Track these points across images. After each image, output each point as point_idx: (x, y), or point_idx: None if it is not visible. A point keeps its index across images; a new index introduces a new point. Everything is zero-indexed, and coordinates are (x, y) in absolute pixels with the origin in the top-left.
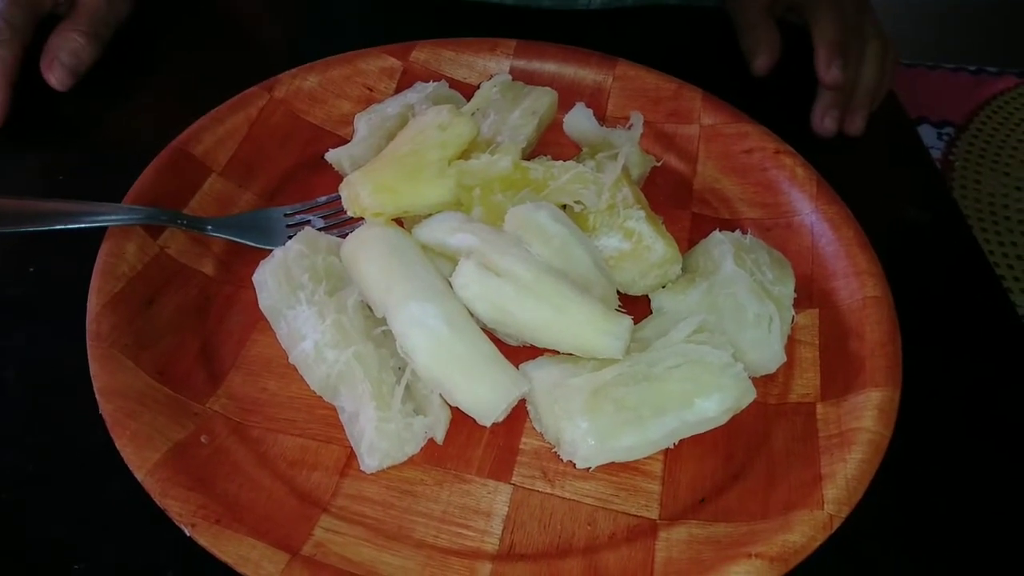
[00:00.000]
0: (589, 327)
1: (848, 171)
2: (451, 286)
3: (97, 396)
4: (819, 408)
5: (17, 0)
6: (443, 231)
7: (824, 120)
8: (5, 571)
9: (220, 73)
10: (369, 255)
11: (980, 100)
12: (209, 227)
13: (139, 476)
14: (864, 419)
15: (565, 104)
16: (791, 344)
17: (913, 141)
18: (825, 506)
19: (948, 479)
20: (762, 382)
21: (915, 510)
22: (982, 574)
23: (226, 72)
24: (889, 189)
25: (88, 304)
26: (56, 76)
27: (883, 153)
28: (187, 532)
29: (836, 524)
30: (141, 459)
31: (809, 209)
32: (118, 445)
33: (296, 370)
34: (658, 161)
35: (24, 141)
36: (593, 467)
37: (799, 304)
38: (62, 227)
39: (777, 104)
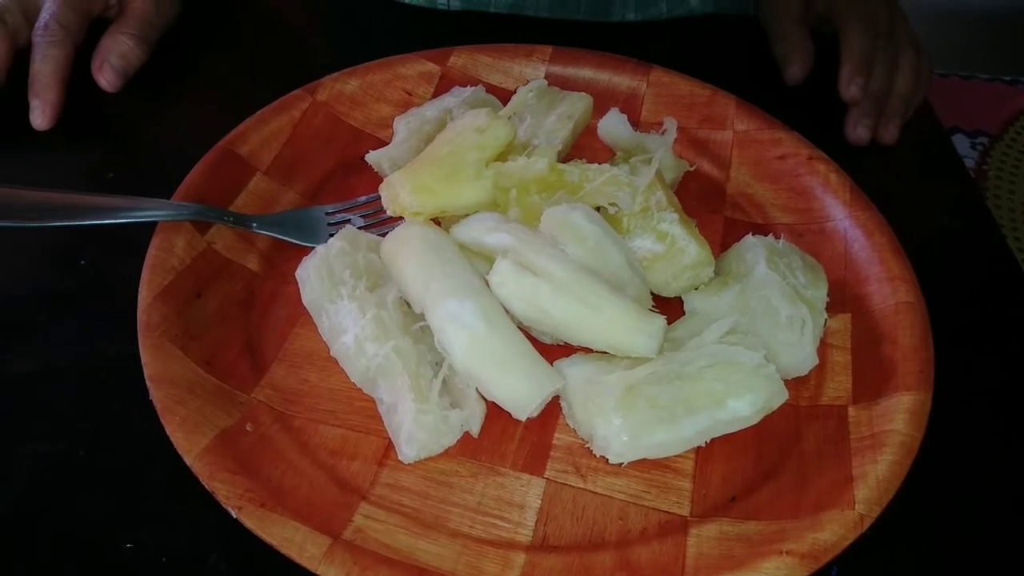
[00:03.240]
0: (623, 326)
1: (881, 179)
2: (488, 284)
3: (148, 383)
4: (851, 411)
5: (69, 2)
6: (480, 230)
7: (857, 128)
8: (60, 551)
9: (264, 76)
10: (408, 253)
11: (1015, 110)
12: (254, 224)
13: (188, 460)
14: (896, 422)
15: (600, 109)
16: (823, 348)
17: (947, 150)
18: (856, 506)
19: (978, 482)
20: (794, 385)
21: (945, 512)
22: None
23: (270, 75)
24: (922, 197)
25: (139, 295)
26: (106, 78)
27: (917, 161)
28: (234, 514)
29: (867, 524)
30: (190, 444)
31: (842, 215)
32: (168, 430)
33: (337, 363)
34: (691, 166)
35: (76, 140)
36: (625, 463)
37: (832, 308)
38: (113, 221)
39: (810, 112)
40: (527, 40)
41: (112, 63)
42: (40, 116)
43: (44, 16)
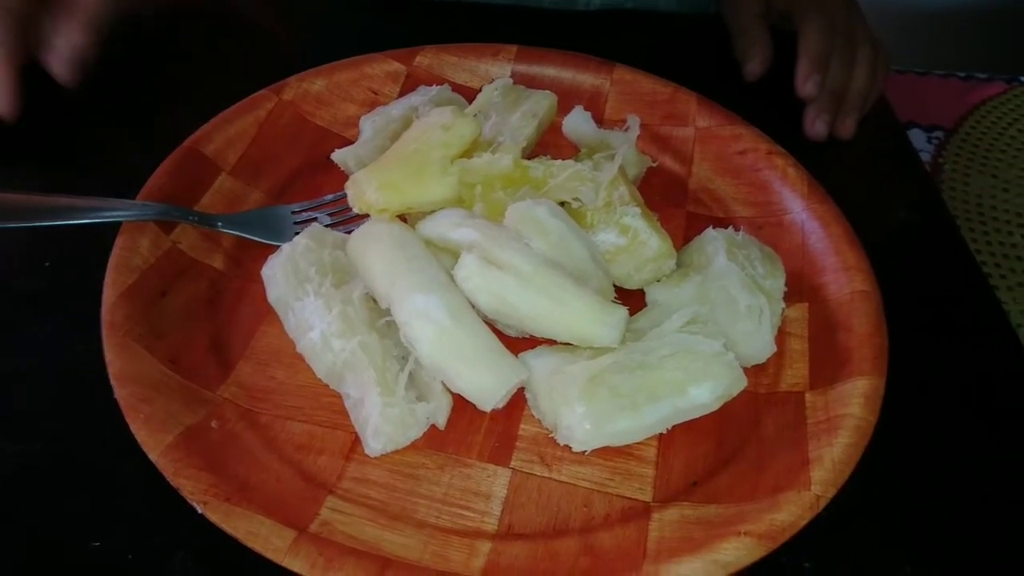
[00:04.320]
0: (586, 317)
1: (839, 173)
2: (453, 279)
3: (112, 382)
4: (808, 396)
5: None
6: (446, 226)
7: (815, 124)
8: (27, 548)
9: (230, 76)
10: (375, 249)
11: (970, 105)
12: (219, 223)
13: (152, 457)
14: (851, 406)
15: (565, 107)
16: (782, 336)
17: (903, 144)
18: (812, 487)
19: (932, 463)
20: (753, 373)
21: (900, 491)
22: (962, 550)
23: (236, 75)
24: (879, 190)
25: (103, 295)
26: (58, 69)
27: (873, 155)
28: (199, 509)
29: (823, 504)
30: (155, 441)
31: (800, 207)
32: (132, 428)
33: (303, 360)
34: (654, 161)
35: (41, 141)
36: (589, 451)
37: (790, 298)
38: (78, 222)
39: (771, 107)
40: (494, 27)
41: (62, 53)
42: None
43: None
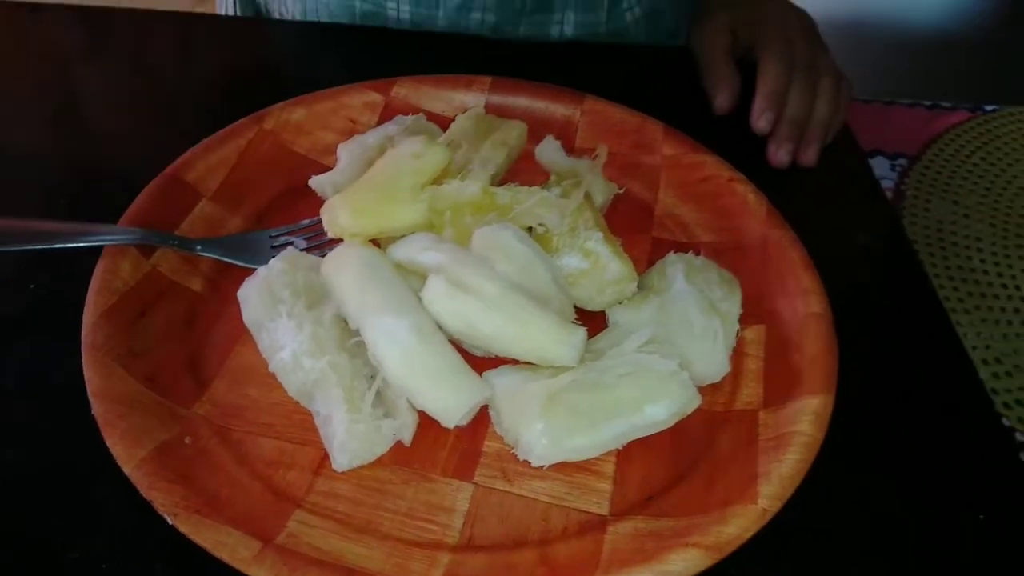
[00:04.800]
0: (546, 338)
1: (802, 199)
2: (421, 301)
3: (90, 399)
4: (761, 415)
5: None
6: (415, 250)
7: (778, 153)
8: (3, 561)
9: (212, 105)
10: (346, 272)
11: (933, 133)
12: (198, 247)
13: (127, 470)
14: (800, 423)
15: (537, 136)
16: (739, 357)
17: (864, 171)
18: (759, 500)
19: (881, 476)
20: (710, 392)
21: (848, 503)
22: (906, 561)
23: (218, 104)
24: (840, 215)
25: (84, 316)
26: None
27: (835, 182)
28: (169, 520)
29: (768, 517)
30: (129, 455)
31: (759, 233)
32: (108, 443)
33: (276, 379)
34: (620, 188)
35: (25, 168)
36: (547, 465)
37: (748, 321)
38: (61, 246)
39: (738, 136)
40: (470, 58)
41: None
42: None
43: None
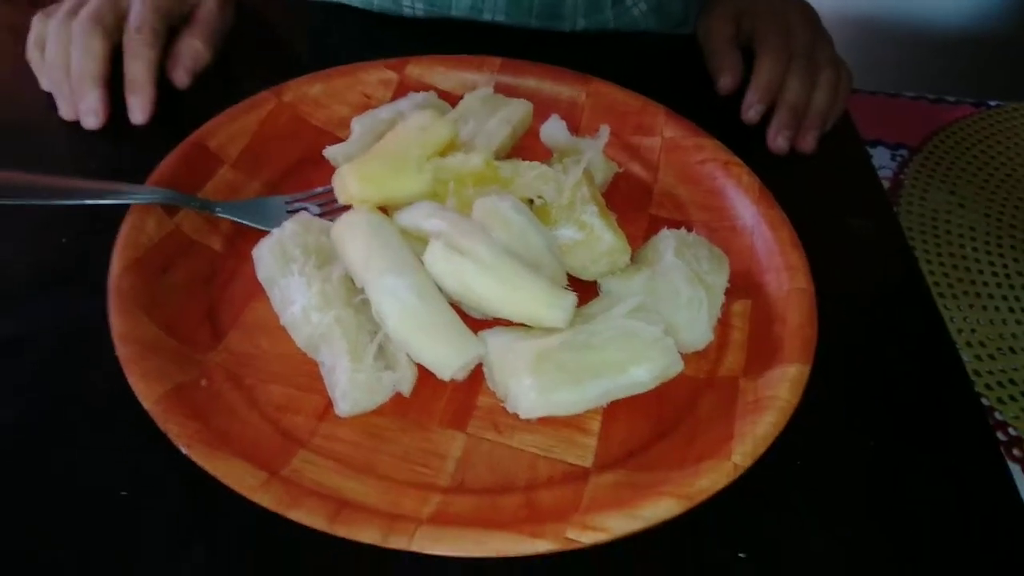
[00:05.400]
0: (538, 300)
1: (798, 184)
2: (423, 263)
3: (115, 341)
4: (741, 382)
5: (158, 10)
6: (419, 217)
7: (777, 139)
8: (34, 486)
9: (236, 78)
10: (354, 235)
11: (936, 125)
12: (218, 209)
13: (146, 405)
14: (778, 389)
15: (544, 116)
16: (725, 329)
17: (861, 158)
18: (732, 457)
19: (855, 443)
20: (695, 359)
21: (818, 467)
22: (870, 514)
23: (241, 77)
24: (835, 200)
25: (111, 266)
26: (179, 76)
27: (832, 168)
28: (184, 451)
29: (739, 472)
30: (149, 391)
31: (750, 213)
32: (130, 380)
33: (286, 331)
34: (621, 168)
35: (61, 132)
36: (534, 418)
37: (735, 295)
38: (93, 202)
39: (738, 123)
40: (484, 46)
41: (186, 63)
42: (139, 113)
43: (135, 19)
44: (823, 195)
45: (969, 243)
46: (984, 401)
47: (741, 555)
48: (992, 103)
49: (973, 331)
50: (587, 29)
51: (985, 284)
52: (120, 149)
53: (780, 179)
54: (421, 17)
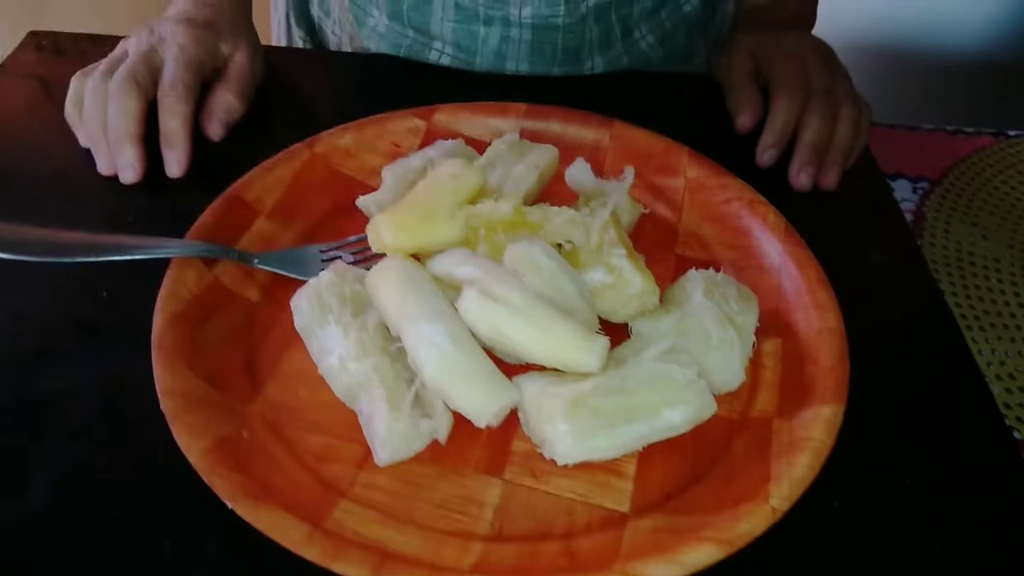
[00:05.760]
0: (571, 345)
1: (821, 220)
2: (456, 310)
3: (160, 396)
4: (775, 422)
5: (190, 65)
6: (452, 264)
7: (800, 176)
8: (78, 539)
9: (269, 131)
10: (389, 283)
11: (956, 157)
12: (256, 260)
13: (191, 459)
14: (812, 430)
15: (568, 159)
16: (756, 369)
17: (884, 193)
18: (770, 500)
19: (889, 482)
20: (728, 400)
21: (856, 508)
22: (909, 551)
23: (274, 130)
24: (859, 236)
25: (154, 320)
26: (214, 130)
27: (855, 204)
28: (230, 506)
29: (778, 516)
30: (193, 446)
31: (777, 251)
32: (175, 434)
33: (324, 381)
34: (646, 209)
35: (101, 188)
36: (571, 464)
37: (766, 334)
38: (136, 257)
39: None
40: (508, 92)
41: (220, 117)
42: (176, 166)
43: (168, 76)
44: (847, 231)
45: (994, 275)
46: (1016, 435)
47: None
48: (1012, 133)
49: (1003, 363)
50: (604, 69)
51: (1012, 316)
52: (158, 202)
53: (803, 216)
54: (446, 64)
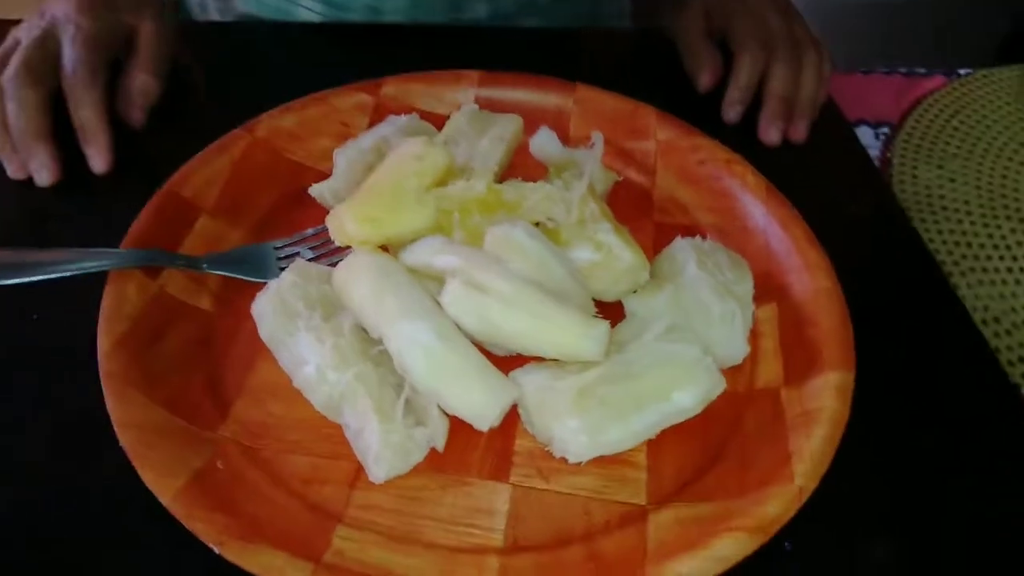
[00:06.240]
0: (570, 333)
1: (794, 175)
2: (439, 304)
3: (116, 430)
4: (783, 392)
5: (90, 45)
6: (428, 254)
7: (769, 130)
8: None
9: (200, 116)
10: (360, 281)
11: (912, 100)
12: (204, 265)
13: (164, 502)
14: (824, 399)
15: (531, 128)
16: (754, 337)
17: (852, 143)
18: (795, 479)
19: (898, 445)
20: (730, 373)
21: (874, 477)
22: (934, 528)
23: (205, 115)
24: (832, 189)
25: (98, 344)
26: (133, 115)
27: (825, 156)
28: (216, 551)
29: (805, 496)
30: (165, 486)
31: (761, 212)
32: (141, 474)
33: (299, 394)
34: (619, 177)
35: (13, 191)
36: (584, 462)
37: (758, 300)
38: (64, 274)
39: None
40: (459, 53)
41: (137, 101)
42: (99, 160)
43: (69, 61)
44: (820, 184)
45: (966, 218)
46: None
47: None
48: (962, 71)
49: (986, 308)
50: (487, 16)
51: (989, 258)
52: (82, 206)
53: (773, 171)
54: (317, 21)
